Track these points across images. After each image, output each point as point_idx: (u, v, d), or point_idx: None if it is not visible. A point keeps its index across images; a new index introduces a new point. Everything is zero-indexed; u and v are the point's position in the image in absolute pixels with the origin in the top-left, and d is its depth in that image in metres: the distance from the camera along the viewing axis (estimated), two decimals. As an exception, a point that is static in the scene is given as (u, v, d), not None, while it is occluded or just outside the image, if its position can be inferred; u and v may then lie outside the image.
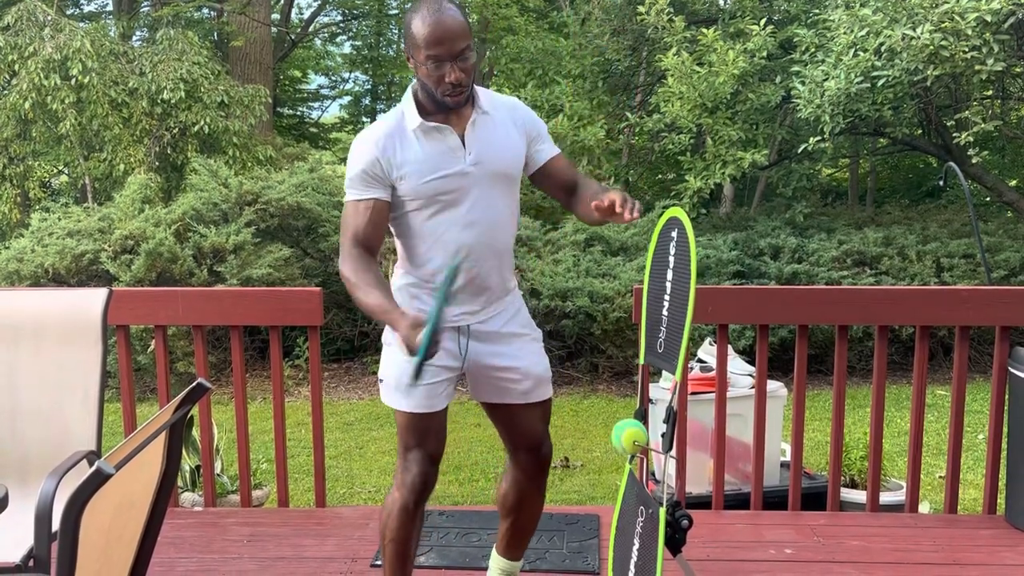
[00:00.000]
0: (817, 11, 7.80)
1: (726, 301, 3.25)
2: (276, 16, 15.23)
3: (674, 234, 2.24)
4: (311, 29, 18.31)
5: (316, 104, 20.62)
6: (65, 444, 2.43)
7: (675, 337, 2.19)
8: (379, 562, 2.90)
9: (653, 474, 3.73)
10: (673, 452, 2.25)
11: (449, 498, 4.54)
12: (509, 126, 2.27)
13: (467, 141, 2.18)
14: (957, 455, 3.28)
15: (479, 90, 2.23)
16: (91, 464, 1.47)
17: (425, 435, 2.26)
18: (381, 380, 2.31)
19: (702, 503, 3.44)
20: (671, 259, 2.25)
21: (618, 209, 2.06)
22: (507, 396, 2.35)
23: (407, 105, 2.19)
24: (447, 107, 2.13)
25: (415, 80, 2.18)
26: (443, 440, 2.31)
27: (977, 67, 6.45)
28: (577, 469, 5.08)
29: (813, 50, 7.39)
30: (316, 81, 20.46)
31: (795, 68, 7.43)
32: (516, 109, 2.31)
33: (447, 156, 2.17)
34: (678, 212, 2.24)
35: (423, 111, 2.17)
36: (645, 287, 2.41)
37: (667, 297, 2.26)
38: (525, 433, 2.40)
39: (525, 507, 2.47)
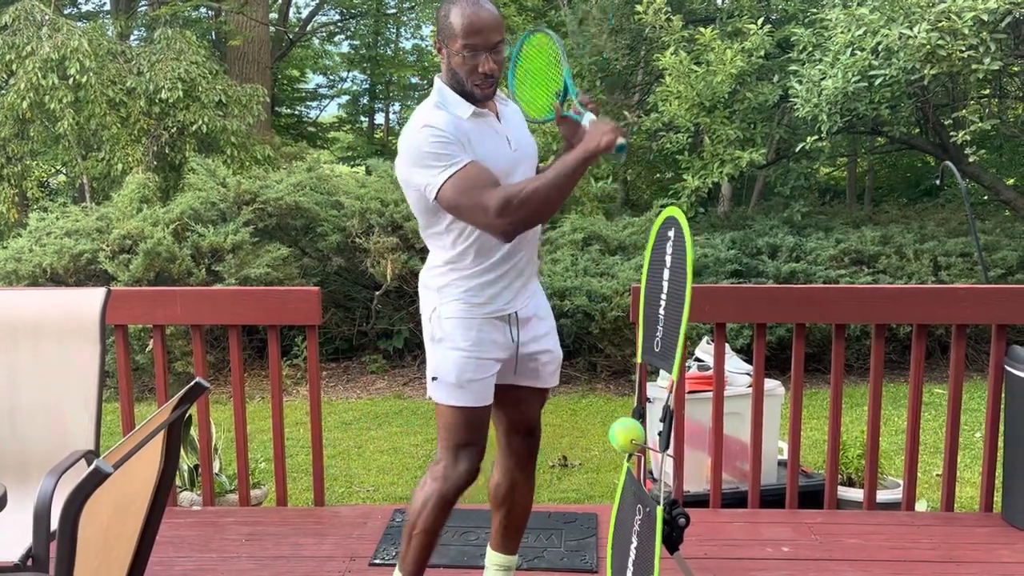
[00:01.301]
0: (814, 10, 7.79)
1: (724, 300, 3.26)
2: (274, 15, 15.23)
3: (671, 233, 2.25)
4: (309, 28, 18.31)
5: (314, 103, 20.65)
6: (64, 443, 2.43)
7: (672, 336, 2.20)
8: (378, 560, 2.90)
9: (651, 472, 3.73)
10: (671, 451, 2.26)
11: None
12: (521, 117, 2.36)
13: (504, 127, 2.25)
14: (954, 453, 3.28)
15: None
16: (89, 463, 1.48)
17: (478, 430, 2.29)
18: (434, 378, 2.27)
19: (700, 501, 3.44)
20: (668, 258, 2.26)
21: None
22: (535, 379, 2.40)
23: (448, 97, 2.19)
24: (475, 98, 2.17)
25: (441, 74, 2.21)
26: (487, 435, 2.35)
27: (974, 66, 6.46)
28: (575, 468, 5.09)
29: (810, 49, 7.39)
30: (314, 80, 20.49)
31: (793, 67, 7.43)
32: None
33: (499, 141, 2.22)
34: (675, 212, 2.25)
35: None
36: (643, 286, 2.42)
37: (664, 296, 2.27)
38: (525, 417, 2.45)
39: (517, 496, 2.52)
